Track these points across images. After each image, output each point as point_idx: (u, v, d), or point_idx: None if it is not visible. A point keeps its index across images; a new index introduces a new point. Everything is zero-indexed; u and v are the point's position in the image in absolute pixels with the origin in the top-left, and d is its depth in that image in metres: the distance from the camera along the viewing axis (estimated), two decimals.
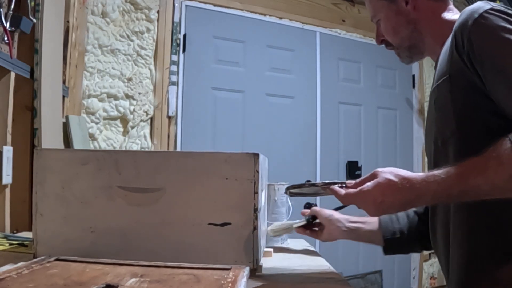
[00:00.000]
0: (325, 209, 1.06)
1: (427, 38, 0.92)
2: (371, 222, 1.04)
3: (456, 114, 0.77)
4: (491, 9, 0.73)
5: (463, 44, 0.74)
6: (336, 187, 0.80)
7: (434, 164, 0.85)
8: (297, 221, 1.07)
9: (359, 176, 2.75)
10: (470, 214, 0.77)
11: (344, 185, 0.80)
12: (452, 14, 0.90)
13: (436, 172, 0.70)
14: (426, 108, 3.16)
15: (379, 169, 0.75)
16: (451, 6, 0.92)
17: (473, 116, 0.76)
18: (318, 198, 2.48)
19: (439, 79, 0.81)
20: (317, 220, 1.06)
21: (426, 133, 0.95)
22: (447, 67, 0.79)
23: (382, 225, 1.03)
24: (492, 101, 0.72)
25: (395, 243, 1.02)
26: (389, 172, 0.73)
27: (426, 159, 3.28)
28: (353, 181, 0.80)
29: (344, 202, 0.77)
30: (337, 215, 1.04)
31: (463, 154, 0.70)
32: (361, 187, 0.75)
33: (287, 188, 0.96)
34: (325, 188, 0.83)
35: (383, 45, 1.00)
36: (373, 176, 0.75)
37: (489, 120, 0.74)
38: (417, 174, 0.72)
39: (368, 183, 0.74)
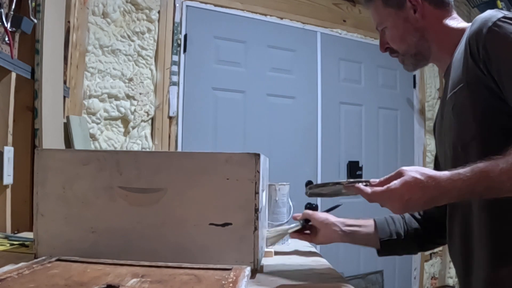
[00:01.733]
0: (318, 212, 1.06)
1: (433, 45, 0.94)
2: (367, 225, 1.05)
3: (476, 119, 0.80)
4: (504, 17, 0.76)
5: (479, 52, 0.77)
6: (361, 185, 0.80)
7: (452, 168, 0.86)
8: (291, 225, 1.06)
9: (360, 176, 2.75)
10: (497, 213, 0.79)
11: (368, 184, 0.81)
12: (457, 23, 0.92)
13: (461, 170, 0.71)
14: (427, 109, 3.16)
15: (405, 168, 0.76)
16: (455, 14, 0.94)
17: (492, 120, 0.78)
18: (319, 199, 2.48)
19: (455, 87, 0.84)
20: (310, 223, 1.05)
21: (439, 139, 0.97)
22: (463, 75, 0.82)
23: (378, 228, 1.03)
24: (509, 105, 0.75)
25: (390, 245, 1.02)
26: (415, 171, 0.74)
27: (427, 159, 3.25)
28: (376, 180, 0.81)
29: (370, 200, 0.78)
30: (332, 218, 1.03)
31: (484, 157, 0.72)
32: (388, 185, 0.76)
33: (310, 187, 0.93)
34: (349, 187, 0.82)
35: (387, 52, 1.00)
36: (399, 174, 0.75)
37: (507, 123, 0.77)
38: (442, 172, 0.74)
39: (395, 181, 0.74)
